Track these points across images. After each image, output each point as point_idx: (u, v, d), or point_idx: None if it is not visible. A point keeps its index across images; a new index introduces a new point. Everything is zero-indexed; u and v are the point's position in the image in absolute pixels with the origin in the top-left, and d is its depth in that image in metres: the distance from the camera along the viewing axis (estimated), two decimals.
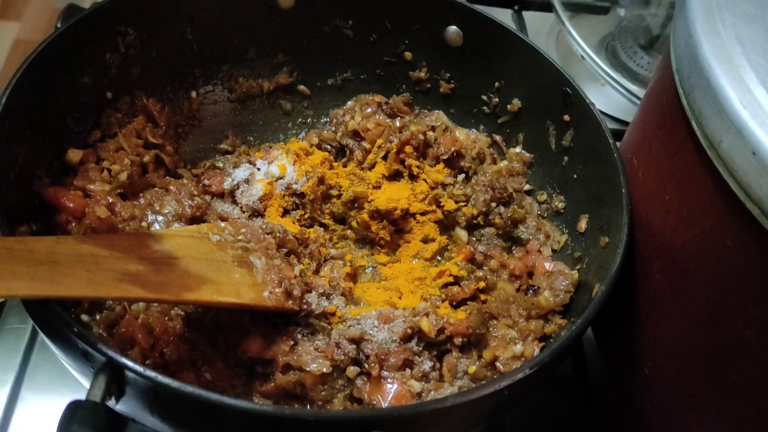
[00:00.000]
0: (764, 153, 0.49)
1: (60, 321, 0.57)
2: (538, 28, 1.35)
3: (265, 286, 0.74)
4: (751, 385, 0.58)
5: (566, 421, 0.86)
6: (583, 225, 0.86)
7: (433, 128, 0.99)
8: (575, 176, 0.90)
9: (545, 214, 0.94)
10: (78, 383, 0.65)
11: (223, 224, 0.80)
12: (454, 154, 0.97)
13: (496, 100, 1.00)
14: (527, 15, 1.28)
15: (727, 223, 0.55)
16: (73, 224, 0.75)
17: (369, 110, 1.00)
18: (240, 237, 0.79)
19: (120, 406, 0.58)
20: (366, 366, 0.73)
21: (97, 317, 0.72)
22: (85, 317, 0.72)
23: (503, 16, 1.06)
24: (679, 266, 0.63)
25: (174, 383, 0.54)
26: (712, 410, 0.63)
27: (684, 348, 0.64)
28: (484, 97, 1.00)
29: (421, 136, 0.96)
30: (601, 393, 0.83)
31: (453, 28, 0.97)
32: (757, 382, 0.57)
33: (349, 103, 1.04)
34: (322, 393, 0.72)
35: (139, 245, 0.67)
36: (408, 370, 0.74)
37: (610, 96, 1.21)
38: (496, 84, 0.99)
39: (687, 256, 0.61)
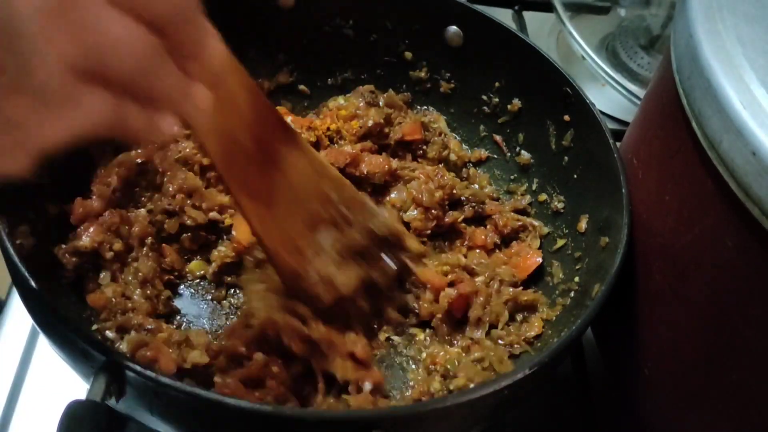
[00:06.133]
0: (764, 153, 0.49)
1: (60, 321, 0.57)
2: (538, 28, 1.35)
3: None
4: (751, 385, 0.58)
5: (566, 421, 0.85)
6: (583, 225, 0.86)
7: (427, 128, 0.99)
8: (575, 176, 0.89)
9: (545, 214, 0.94)
10: (78, 383, 0.65)
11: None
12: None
13: (496, 100, 1.00)
14: (527, 15, 1.28)
15: (727, 223, 0.55)
16: None
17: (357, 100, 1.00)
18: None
19: (120, 406, 0.58)
20: None
21: (125, 337, 0.71)
22: (110, 334, 0.72)
23: (503, 16, 1.05)
24: (679, 266, 0.63)
25: (174, 383, 0.54)
26: (712, 410, 0.63)
27: (684, 348, 0.64)
28: (484, 97, 1.00)
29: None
30: (601, 393, 0.83)
31: (453, 28, 0.97)
32: (757, 382, 0.57)
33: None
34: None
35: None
36: None
37: (610, 96, 1.20)
38: (496, 84, 0.99)
39: (687, 256, 0.61)
